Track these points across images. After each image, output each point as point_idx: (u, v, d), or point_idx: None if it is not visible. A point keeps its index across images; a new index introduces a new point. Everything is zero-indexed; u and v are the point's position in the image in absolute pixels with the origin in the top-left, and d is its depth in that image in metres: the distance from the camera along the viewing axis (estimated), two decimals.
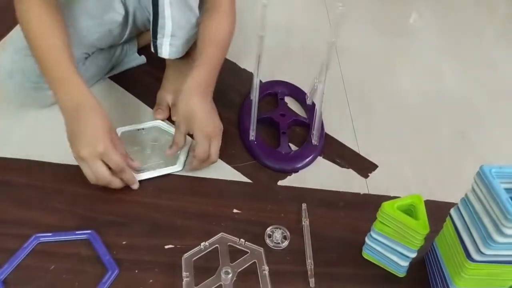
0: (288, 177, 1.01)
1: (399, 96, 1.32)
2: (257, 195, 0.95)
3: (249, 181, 0.98)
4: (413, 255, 0.79)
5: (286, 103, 1.20)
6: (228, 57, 1.22)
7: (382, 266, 0.84)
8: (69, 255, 0.79)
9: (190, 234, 0.85)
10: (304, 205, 0.93)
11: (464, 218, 0.75)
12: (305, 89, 1.21)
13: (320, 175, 1.02)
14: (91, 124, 0.84)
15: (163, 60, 1.06)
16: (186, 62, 1.08)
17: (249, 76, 1.22)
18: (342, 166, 1.06)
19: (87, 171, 0.85)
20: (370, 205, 0.88)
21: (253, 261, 0.82)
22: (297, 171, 1.03)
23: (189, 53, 1.06)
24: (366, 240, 0.84)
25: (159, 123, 1.06)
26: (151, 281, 0.77)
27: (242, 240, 0.84)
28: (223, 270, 0.78)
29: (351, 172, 1.05)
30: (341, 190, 0.99)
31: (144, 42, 1.25)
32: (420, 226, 0.75)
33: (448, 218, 0.80)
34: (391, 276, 0.84)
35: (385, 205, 0.78)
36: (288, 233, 0.88)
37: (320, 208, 0.94)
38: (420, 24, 1.74)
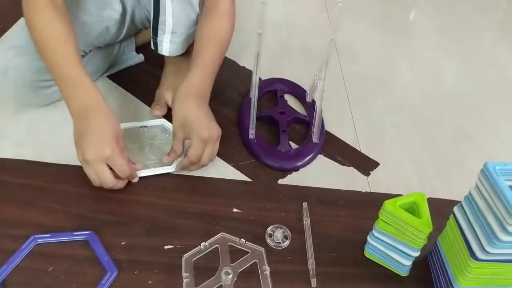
0: (289, 175, 1.00)
1: (400, 93, 1.31)
2: (257, 194, 0.94)
3: (249, 180, 0.97)
4: (416, 254, 0.78)
5: (286, 101, 1.19)
6: (227, 55, 1.21)
7: (385, 266, 0.83)
8: (67, 256, 0.78)
9: (190, 234, 0.84)
10: (305, 204, 0.92)
11: (468, 216, 0.74)
12: (305, 86, 1.20)
13: (320, 173, 1.02)
14: (100, 127, 0.83)
15: (161, 58, 1.05)
16: (185, 60, 1.07)
17: (248, 73, 1.21)
18: (343, 164, 1.05)
19: (91, 174, 0.84)
20: (371, 204, 0.87)
21: (253, 261, 0.81)
22: (298, 170, 1.02)
23: (188, 51, 1.05)
24: (368, 239, 0.83)
25: (162, 121, 1.05)
26: (150, 282, 0.76)
27: (242, 240, 0.84)
28: (224, 271, 0.78)
29: (352, 170, 1.04)
30: (342, 188, 0.98)
31: (142, 41, 1.24)
32: (423, 225, 0.74)
33: (451, 216, 0.79)
34: (393, 276, 0.83)
35: (387, 203, 0.77)
36: (289, 232, 0.87)
37: (321, 206, 0.93)
38: (420, 20, 1.73)
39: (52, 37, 0.86)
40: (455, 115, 1.26)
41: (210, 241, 0.83)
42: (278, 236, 0.85)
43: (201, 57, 0.95)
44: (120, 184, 0.87)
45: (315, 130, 1.06)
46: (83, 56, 1.06)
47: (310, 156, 1.04)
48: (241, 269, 0.79)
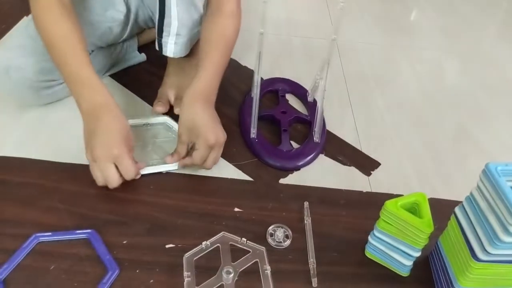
0: (290, 175, 1.00)
1: (401, 93, 1.31)
2: (258, 193, 0.94)
3: (251, 179, 0.97)
4: (417, 254, 0.78)
5: (287, 100, 1.19)
6: None
7: (386, 266, 0.83)
8: (69, 255, 0.78)
9: (191, 233, 0.84)
10: (306, 204, 0.92)
11: (469, 216, 0.74)
12: (306, 86, 1.20)
13: (322, 173, 1.02)
14: (110, 127, 0.84)
15: (164, 57, 1.05)
16: (188, 59, 1.07)
17: (250, 73, 1.21)
18: (344, 164, 1.05)
19: (96, 172, 0.84)
20: (373, 204, 0.87)
21: (255, 260, 0.81)
22: (299, 169, 1.02)
23: (191, 50, 1.06)
24: (369, 239, 0.83)
25: (166, 119, 1.05)
26: (152, 281, 0.76)
27: (243, 239, 0.84)
28: (225, 270, 0.78)
29: (353, 170, 1.04)
30: (343, 188, 0.98)
31: (145, 40, 1.25)
32: (424, 225, 0.74)
33: (452, 217, 0.79)
34: (394, 276, 0.83)
35: (388, 203, 0.77)
36: (290, 232, 0.87)
37: (322, 206, 0.93)
38: (421, 20, 1.73)
39: (61, 37, 0.87)
40: (456, 115, 1.26)
41: (211, 240, 0.83)
42: (279, 235, 0.85)
43: (207, 60, 0.95)
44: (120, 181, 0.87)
45: (317, 129, 1.06)
46: None
47: (312, 155, 1.04)
48: (242, 269, 0.79)
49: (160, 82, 1.12)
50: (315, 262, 0.82)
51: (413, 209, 0.78)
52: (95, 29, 1.03)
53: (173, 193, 0.91)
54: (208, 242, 0.82)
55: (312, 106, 1.15)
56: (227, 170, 0.98)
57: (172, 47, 1.00)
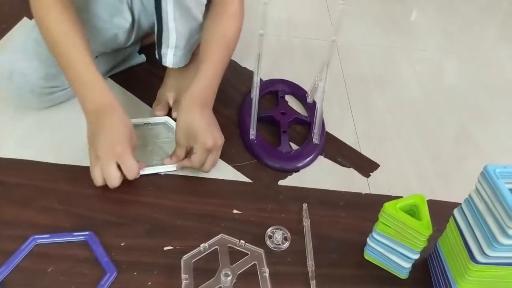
0: (289, 176, 1.00)
1: (400, 94, 1.31)
2: (257, 195, 0.94)
3: (249, 180, 0.97)
4: (416, 256, 0.78)
5: (287, 102, 1.19)
6: None
7: (384, 268, 0.83)
8: (66, 257, 0.78)
9: (190, 235, 0.84)
10: (305, 205, 0.92)
11: (468, 219, 0.74)
12: (306, 87, 1.20)
13: (321, 174, 1.01)
14: (114, 126, 0.85)
15: None
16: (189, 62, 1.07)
17: (249, 74, 1.20)
18: (343, 165, 1.05)
19: (96, 172, 0.85)
20: (371, 205, 0.87)
21: (253, 262, 0.81)
22: (298, 171, 1.01)
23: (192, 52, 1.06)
24: (368, 241, 0.83)
25: (166, 119, 1.05)
26: (150, 283, 0.76)
27: (242, 241, 0.83)
28: (223, 272, 0.77)
29: (352, 171, 1.04)
30: (342, 189, 0.98)
31: (147, 42, 1.24)
32: (423, 227, 0.74)
33: (451, 219, 0.79)
34: (393, 278, 0.82)
35: (387, 205, 0.77)
36: (288, 234, 0.86)
37: (321, 208, 0.93)
38: (421, 21, 1.72)
39: (64, 38, 0.87)
40: (455, 116, 1.25)
41: (209, 242, 0.82)
42: (277, 237, 0.85)
43: (207, 62, 0.94)
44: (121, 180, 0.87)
45: (316, 131, 1.06)
46: None
47: (311, 157, 1.03)
48: (241, 271, 0.79)
49: (160, 82, 1.12)
50: (313, 264, 0.82)
51: (412, 211, 0.78)
52: (102, 36, 1.03)
53: (172, 195, 0.91)
54: (206, 244, 0.82)
55: (311, 107, 1.15)
56: (226, 172, 0.98)
57: (171, 58, 1.00)
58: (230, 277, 0.77)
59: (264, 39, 0.94)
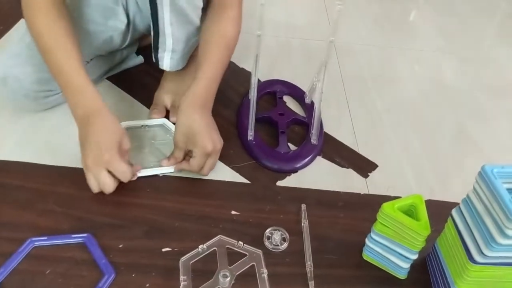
0: (287, 177, 1.00)
1: (399, 95, 1.31)
2: (255, 196, 0.94)
3: (248, 181, 0.97)
4: (414, 256, 0.78)
5: (285, 102, 1.19)
6: None
7: (383, 268, 0.83)
8: (65, 259, 0.78)
9: (188, 236, 0.84)
10: (303, 206, 0.92)
11: (466, 219, 0.74)
12: (304, 88, 1.20)
13: (319, 175, 1.01)
14: (100, 133, 0.84)
15: None
16: (186, 65, 1.07)
17: (247, 75, 1.20)
18: (342, 166, 1.05)
19: (91, 180, 0.85)
20: (370, 206, 0.87)
21: (251, 263, 0.81)
22: (296, 171, 1.01)
23: (190, 55, 1.06)
24: (366, 241, 0.83)
25: (164, 121, 1.05)
26: (148, 285, 0.76)
27: (240, 242, 0.83)
28: (221, 273, 0.77)
29: (350, 172, 1.03)
30: (340, 190, 0.98)
31: (145, 43, 1.24)
32: (421, 227, 0.74)
33: (449, 219, 0.79)
34: (392, 278, 0.82)
35: (385, 206, 0.77)
36: (287, 234, 0.86)
37: (320, 208, 0.93)
38: (420, 21, 1.73)
39: (55, 43, 0.87)
40: (454, 116, 1.26)
41: (208, 243, 0.82)
42: (276, 238, 0.85)
43: (206, 64, 0.94)
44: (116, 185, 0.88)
45: (314, 131, 1.06)
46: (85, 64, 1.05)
47: (309, 157, 1.03)
48: (239, 272, 0.79)
49: (157, 84, 1.12)
50: (312, 265, 0.82)
51: (410, 211, 0.78)
52: (97, 39, 1.03)
53: (170, 196, 0.91)
54: (204, 246, 0.82)
55: (309, 108, 1.15)
56: (224, 173, 0.98)
57: (168, 61, 1.00)
58: (228, 278, 0.77)
59: (262, 40, 0.94)
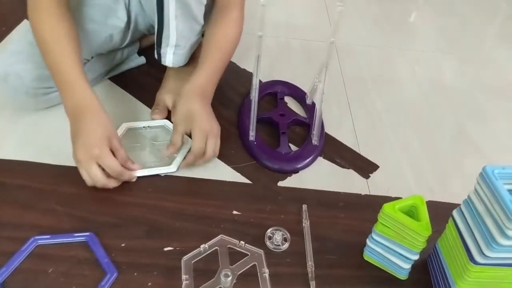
0: (288, 177, 1.00)
1: (399, 95, 1.31)
2: (257, 196, 0.94)
3: (249, 182, 0.97)
4: (415, 257, 0.78)
5: (286, 103, 1.19)
6: None
7: (384, 269, 0.83)
8: (67, 257, 0.78)
9: (190, 236, 0.84)
10: (304, 206, 0.92)
11: (467, 220, 0.74)
12: (305, 88, 1.21)
13: (320, 175, 1.02)
14: (91, 128, 0.85)
15: None
16: (187, 66, 1.07)
17: (248, 75, 1.21)
18: (343, 167, 1.05)
19: (83, 173, 0.86)
20: (371, 206, 0.88)
21: (253, 263, 0.81)
22: (297, 172, 1.02)
23: (192, 56, 1.06)
24: (367, 242, 0.83)
25: (165, 122, 1.05)
26: (150, 284, 0.76)
27: (242, 242, 0.84)
28: (223, 273, 0.78)
29: (351, 173, 1.04)
30: (341, 190, 0.98)
31: (147, 43, 1.24)
32: (422, 228, 0.74)
33: (450, 220, 0.79)
34: (393, 279, 0.83)
35: (386, 206, 0.77)
36: (288, 234, 0.87)
37: (321, 209, 0.93)
38: (420, 22, 1.73)
39: (55, 39, 0.88)
40: (454, 116, 1.26)
41: (209, 243, 0.83)
42: (277, 238, 0.85)
43: (208, 59, 0.98)
44: (113, 183, 0.88)
45: (315, 132, 1.06)
46: (85, 63, 1.06)
47: (310, 158, 1.04)
48: (241, 272, 0.79)
49: (159, 85, 1.12)
50: (313, 265, 0.82)
51: (411, 212, 0.78)
52: (96, 37, 1.03)
53: (172, 196, 0.91)
54: (206, 245, 0.82)
55: (310, 109, 1.15)
56: (225, 173, 0.98)
57: (171, 57, 1.00)
58: (230, 278, 0.77)
59: (263, 41, 0.94)
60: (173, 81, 1.10)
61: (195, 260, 0.80)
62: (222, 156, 0.99)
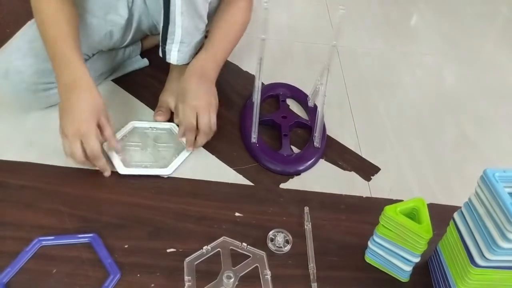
0: (290, 179, 1.00)
1: (401, 98, 1.31)
2: (259, 198, 0.95)
3: (251, 183, 0.98)
4: (417, 259, 0.79)
5: (288, 105, 1.20)
6: (230, 59, 1.22)
7: (385, 271, 0.84)
8: (71, 258, 0.79)
9: (192, 237, 0.85)
10: (306, 208, 0.93)
11: (468, 222, 0.75)
12: (307, 91, 1.21)
13: (322, 177, 1.02)
14: (81, 104, 0.87)
15: (166, 63, 1.06)
16: None
17: (251, 78, 1.21)
18: (344, 169, 1.05)
19: (65, 147, 0.87)
20: (372, 209, 0.88)
21: (255, 265, 0.82)
22: (299, 174, 1.02)
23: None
24: (369, 244, 0.83)
25: (172, 125, 1.06)
26: (153, 285, 0.77)
27: (244, 244, 0.84)
28: (225, 274, 0.78)
29: (353, 175, 1.04)
30: (343, 193, 0.99)
31: (149, 45, 1.25)
32: (423, 230, 0.75)
33: (451, 222, 0.79)
34: (394, 281, 0.83)
35: (388, 209, 0.77)
36: (290, 236, 0.87)
37: (323, 211, 0.94)
38: (421, 26, 1.73)
39: (55, 20, 0.91)
40: (456, 120, 1.26)
41: (212, 244, 0.83)
42: (279, 240, 0.86)
43: (211, 42, 1.01)
44: (87, 164, 0.90)
45: (317, 134, 1.07)
46: (86, 60, 1.06)
47: (312, 160, 1.04)
48: (243, 273, 0.80)
49: (162, 86, 1.13)
50: (315, 267, 0.82)
51: (412, 215, 0.79)
52: (96, 32, 1.04)
53: (174, 197, 0.92)
54: (208, 247, 0.83)
55: (312, 111, 1.15)
56: (227, 175, 0.99)
57: (175, 54, 1.01)
58: (232, 279, 0.78)
59: (265, 43, 0.95)
60: (176, 83, 1.10)
61: (197, 261, 0.80)
62: (224, 158, 0.99)
